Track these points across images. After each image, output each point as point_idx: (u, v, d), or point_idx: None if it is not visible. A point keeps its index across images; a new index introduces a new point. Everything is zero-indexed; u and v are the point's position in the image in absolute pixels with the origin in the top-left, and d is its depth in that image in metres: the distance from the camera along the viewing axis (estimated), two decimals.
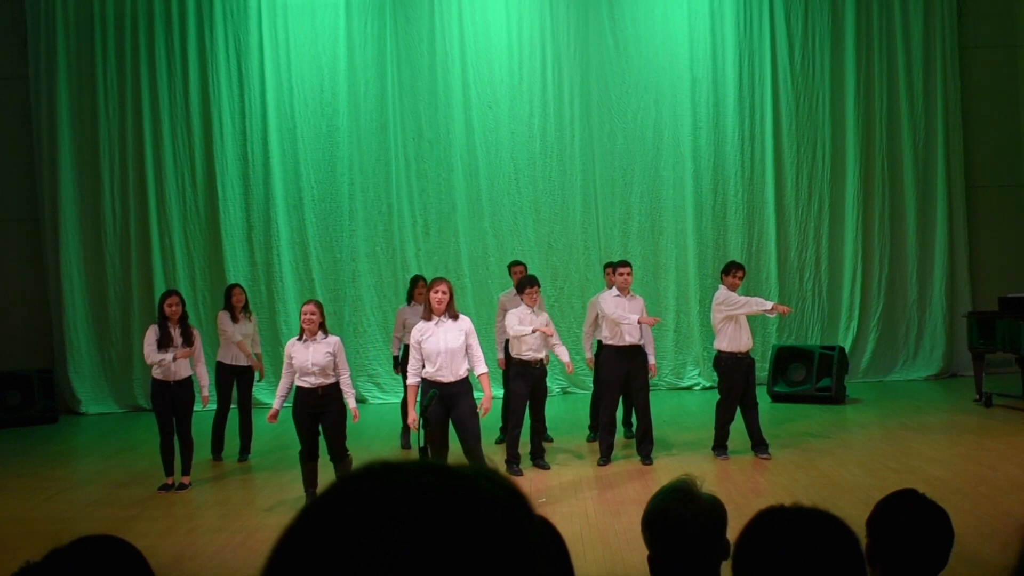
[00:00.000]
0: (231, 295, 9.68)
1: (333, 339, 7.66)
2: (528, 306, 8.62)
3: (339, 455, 7.58)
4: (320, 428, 7.60)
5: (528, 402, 8.74)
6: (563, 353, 8.80)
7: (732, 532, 2.04)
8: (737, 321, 8.71)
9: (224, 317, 9.62)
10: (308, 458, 7.63)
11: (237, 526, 7.22)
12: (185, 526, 7.33)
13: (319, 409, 7.54)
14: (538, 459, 8.82)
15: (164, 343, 8.29)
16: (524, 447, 8.82)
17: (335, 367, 7.59)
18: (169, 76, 13.07)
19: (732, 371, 8.71)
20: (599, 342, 9.15)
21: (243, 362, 9.61)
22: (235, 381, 9.62)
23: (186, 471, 8.52)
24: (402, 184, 13.11)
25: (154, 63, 13.05)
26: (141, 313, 12.95)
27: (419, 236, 13.12)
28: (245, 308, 9.72)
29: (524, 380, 8.62)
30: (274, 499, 8.00)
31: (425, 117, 13.08)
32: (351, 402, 7.73)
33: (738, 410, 8.83)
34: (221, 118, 13.05)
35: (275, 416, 7.69)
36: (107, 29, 13.07)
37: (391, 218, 13.11)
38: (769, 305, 8.69)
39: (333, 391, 7.58)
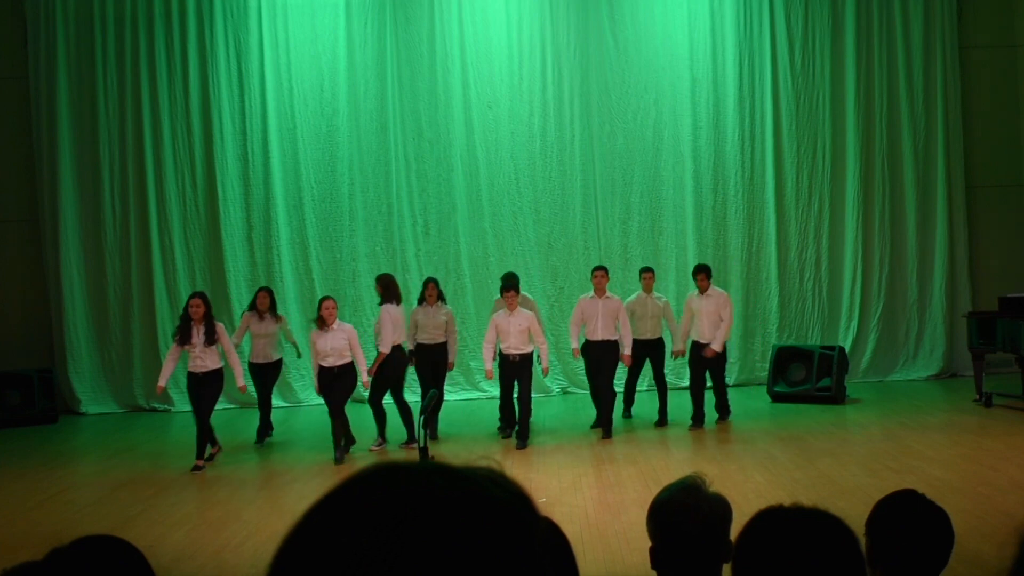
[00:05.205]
0: (256, 297, 10.52)
1: (347, 327, 9.57)
2: (508, 309, 9.65)
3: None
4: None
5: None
6: (543, 359, 9.82)
7: (732, 532, 2.04)
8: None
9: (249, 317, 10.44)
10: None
11: (237, 526, 7.22)
12: (185, 526, 7.34)
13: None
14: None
15: (184, 340, 9.26)
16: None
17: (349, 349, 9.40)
18: (169, 76, 13.07)
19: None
20: None
21: (261, 360, 10.38)
22: (261, 378, 10.42)
23: (199, 454, 9.17)
24: (402, 184, 13.11)
25: (154, 63, 13.04)
26: (141, 313, 12.96)
27: (419, 236, 13.12)
28: (271, 310, 10.42)
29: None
30: (274, 499, 8.01)
31: (425, 117, 13.08)
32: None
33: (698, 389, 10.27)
34: (221, 118, 13.04)
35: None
36: (107, 29, 13.06)
37: (391, 218, 13.10)
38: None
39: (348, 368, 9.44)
